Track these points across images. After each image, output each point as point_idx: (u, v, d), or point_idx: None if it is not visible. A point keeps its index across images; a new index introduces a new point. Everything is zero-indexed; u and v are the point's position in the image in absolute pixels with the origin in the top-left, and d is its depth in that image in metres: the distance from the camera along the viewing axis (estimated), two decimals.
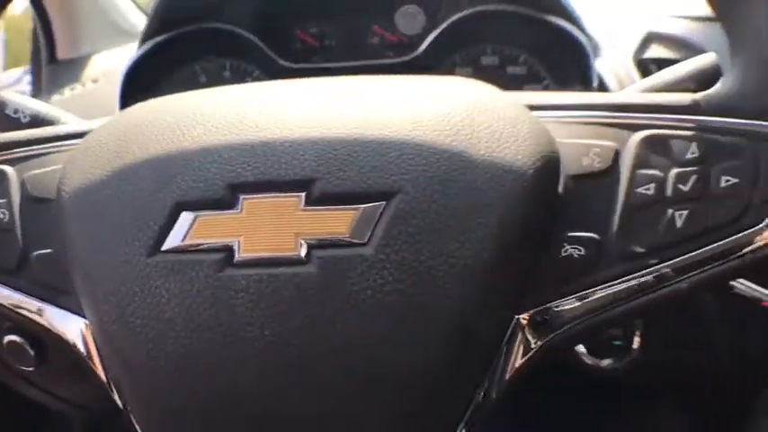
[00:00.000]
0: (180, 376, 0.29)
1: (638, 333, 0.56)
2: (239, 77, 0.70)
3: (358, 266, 0.27)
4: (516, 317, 0.31)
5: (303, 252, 0.28)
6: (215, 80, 0.71)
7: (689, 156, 0.31)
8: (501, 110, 0.31)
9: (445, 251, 0.28)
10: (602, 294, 0.31)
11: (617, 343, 0.55)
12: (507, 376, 0.32)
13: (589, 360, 0.53)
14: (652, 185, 0.31)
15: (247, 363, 0.28)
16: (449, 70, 0.66)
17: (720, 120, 0.32)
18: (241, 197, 0.28)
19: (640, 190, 0.31)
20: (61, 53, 0.91)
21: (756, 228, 0.30)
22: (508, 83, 0.66)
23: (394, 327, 0.28)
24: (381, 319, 0.28)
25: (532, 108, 0.33)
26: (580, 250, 0.31)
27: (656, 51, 0.63)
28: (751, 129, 0.31)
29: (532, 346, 0.32)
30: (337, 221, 0.28)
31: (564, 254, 0.31)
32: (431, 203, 0.28)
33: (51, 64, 0.91)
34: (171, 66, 0.71)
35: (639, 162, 0.31)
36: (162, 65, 0.70)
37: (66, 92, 0.84)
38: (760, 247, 0.31)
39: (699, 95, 0.33)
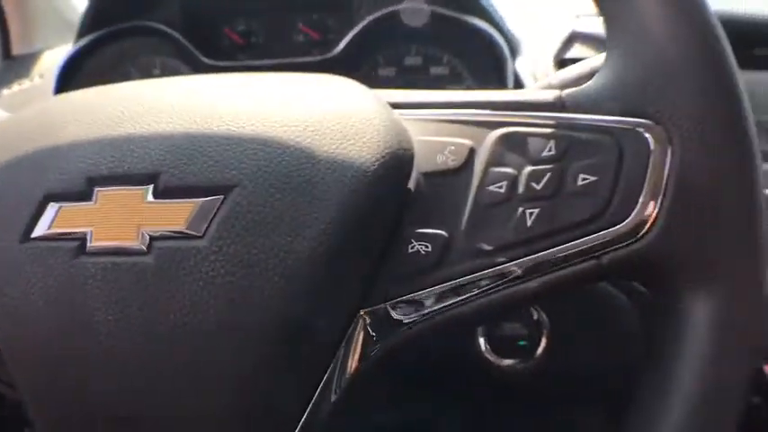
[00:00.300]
0: (42, 356, 0.31)
1: (544, 334, 0.55)
2: (169, 75, 0.70)
3: (192, 258, 0.28)
4: (359, 312, 0.31)
5: (144, 243, 0.29)
6: (147, 78, 0.71)
7: (545, 154, 0.31)
8: (357, 108, 0.31)
9: (277, 245, 0.28)
10: (449, 291, 0.31)
11: (522, 343, 0.55)
12: (349, 373, 0.31)
13: (490, 357, 0.53)
14: (504, 183, 0.31)
15: (96, 345, 0.29)
16: (372, 69, 0.66)
17: (583, 117, 0.31)
18: (96, 189, 0.30)
19: (492, 188, 0.31)
20: (16, 49, 0.92)
21: (614, 228, 0.30)
22: (431, 83, 0.66)
23: (222, 319, 0.28)
24: (211, 312, 0.28)
25: (395, 106, 0.33)
26: (427, 247, 0.30)
27: (578, 51, 0.62)
28: (614, 126, 0.31)
29: (376, 342, 0.31)
30: (177, 214, 0.29)
31: (411, 250, 0.31)
32: (267, 198, 0.28)
33: (6, 59, 0.92)
34: (107, 62, 0.72)
35: (493, 160, 0.31)
36: (98, 61, 0.71)
37: (15, 86, 0.85)
38: (620, 249, 0.30)
39: (565, 92, 0.33)
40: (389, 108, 0.33)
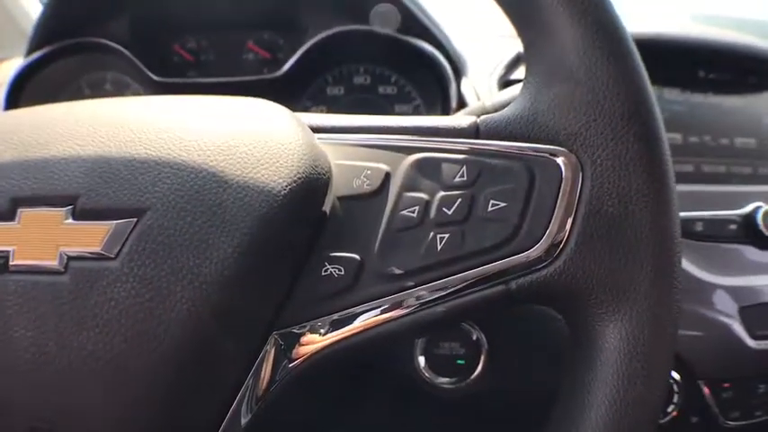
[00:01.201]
0: None
1: (483, 353, 0.55)
2: (119, 91, 0.69)
3: (105, 279, 0.28)
4: (271, 335, 0.30)
5: (62, 263, 0.29)
6: (97, 93, 0.70)
7: (457, 179, 0.31)
8: (276, 132, 0.31)
9: (185, 268, 0.28)
10: (359, 314, 0.30)
11: (460, 362, 0.54)
12: (261, 396, 0.31)
13: (428, 374, 0.53)
14: (416, 208, 0.31)
15: (16, 360, 0.30)
16: (321, 88, 0.66)
17: (495, 143, 0.32)
18: (19, 210, 0.30)
19: (405, 212, 0.31)
20: None
21: (522, 254, 0.30)
22: (380, 102, 0.66)
23: (132, 340, 0.28)
24: (121, 332, 0.28)
25: (316, 130, 0.33)
26: (341, 270, 0.30)
27: (523, 73, 0.62)
28: (526, 153, 0.31)
29: (287, 364, 0.31)
30: (93, 236, 0.29)
31: (325, 273, 0.30)
32: (177, 221, 0.28)
33: None
34: (59, 77, 0.71)
35: (407, 185, 0.31)
36: (50, 76, 0.70)
37: None
38: (528, 275, 0.30)
39: (481, 118, 0.33)
40: (309, 132, 0.33)
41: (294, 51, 0.62)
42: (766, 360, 0.58)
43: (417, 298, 0.30)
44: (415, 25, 0.60)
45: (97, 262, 0.28)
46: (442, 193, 0.31)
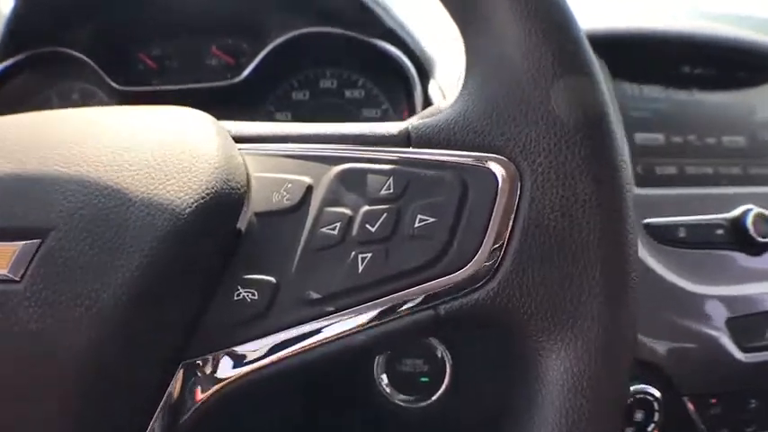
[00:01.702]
0: None
1: (447, 372, 0.51)
2: (86, 101, 0.68)
3: (10, 302, 0.26)
4: (181, 364, 0.27)
5: None
6: (66, 104, 0.69)
7: (383, 192, 0.28)
8: (190, 144, 0.29)
9: (84, 293, 0.26)
10: (275, 342, 0.27)
11: (424, 380, 0.51)
12: (172, 428, 0.28)
13: (388, 391, 0.50)
14: (338, 225, 0.27)
15: None
16: (286, 93, 0.63)
17: (427, 151, 0.28)
18: None
19: (325, 230, 0.28)
20: None
21: (451, 276, 0.26)
22: (347, 107, 0.63)
23: (36, 367, 0.26)
24: (26, 359, 0.26)
25: (240, 140, 0.31)
26: (254, 294, 0.27)
27: None
28: (459, 161, 0.28)
29: (200, 395, 0.28)
30: (2, 257, 0.27)
31: (237, 297, 0.27)
32: (79, 242, 0.26)
33: None
34: (28, 87, 0.69)
35: (329, 199, 0.28)
36: (17, 86, 0.68)
37: None
38: (458, 299, 0.27)
39: (413, 124, 0.29)
40: (230, 143, 0.30)
41: (256, 56, 0.60)
42: (757, 373, 0.54)
43: (336, 325, 0.27)
44: (379, 26, 0.57)
45: (4, 285, 0.26)
46: (366, 208, 0.28)
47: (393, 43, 0.58)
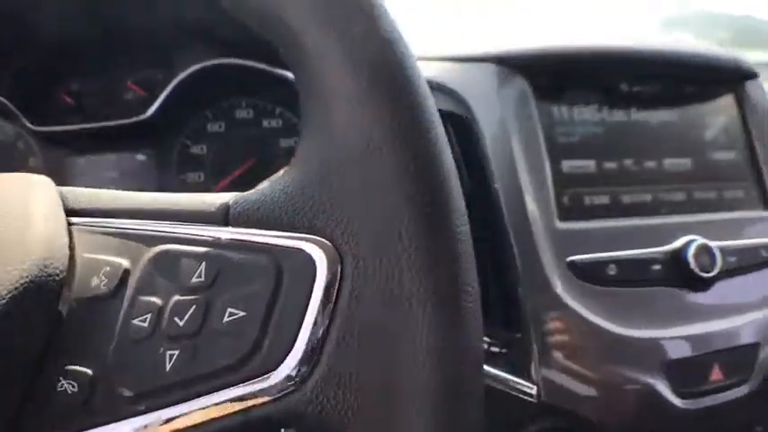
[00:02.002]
0: None
1: None
2: (11, 139, 0.66)
3: None
4: None
5: None
6: None
7: (194, 280, 0.25)
8: (9, 222, 0.26)
9: None
10: None
11: None
12: None
13: None
14: (149, 316, 0.24)
15: None
16: (201, 125, 0.60)
17: (243, 232, 0.25)
18: None
19: (137, 321, 0.25)
20: None
21: (263, 377, 0.23)
22: (264, 137, 0.60)
23: None
24: None
25: (72, 213, 0.28)
26: (74, 386, 0.25)
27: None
28: (274, 245, 0.24)
29: None
30: None
31: (60, 389, 0.25)
32: None
33: None
34: None
35: (142, 286, 0.25)
36: None
37: None
38: (270, 403, 0.23)
39: (234, 198, 0.26)
40: (60, 219, 0.27)
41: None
42: (697, 421, 0.49)
43: (145, 427, 0.24)
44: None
45: None
46: (176, 298, 0.25)
47: None
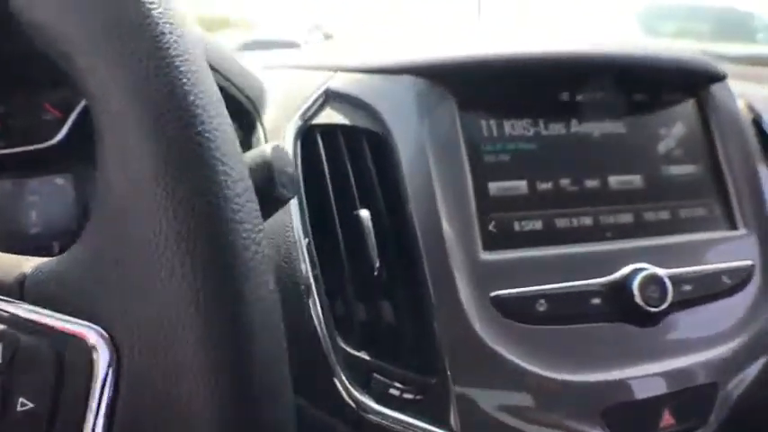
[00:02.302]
0: None
1: None
2: None
3: None
4: None
5: None
6: None
7: None
8: None
9: None
10: None
11: None
12: None
13: None
14: None
15: None
16: None
17: (35, 310, 0.23)
18: None
19: None
20: None
21: None
22: None
23: None
24: None
25: None
26: None
27: (331, 116, 0.49)
28: (61, 329, 0.23)
29: None
30: None
31: None
32: None
33: None
34: None
35: None
36: None
37: None
38: None
39: (31, 267, 0.24)
40: None
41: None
42: None
43: None
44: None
45: None
46: None
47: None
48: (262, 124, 0.52)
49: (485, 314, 0.43)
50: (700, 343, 0.46)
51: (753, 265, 0.49)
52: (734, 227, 0.50)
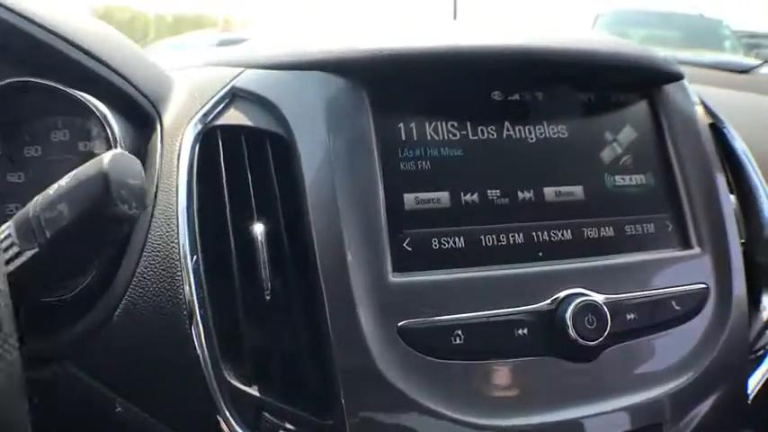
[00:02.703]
0: None
1: None
2: None
3: None
4: None
5: None
6: None
7: None
8: None
9: None
10: None
11: None
12: None
13: None
14: None
15: None
16: (18, 149, 0.50)
17: None
18: None
19: None
20: None
21: None
22: (83, 160, 0.50)
23: None
24: None
25: None
26: None
27: (232, 117, 0.43)
28: None
29: None
30: None
31: None
32: None
33: None
34: None
35: None
36: None
37: None
38: None
39: None
40: None
41: None
42: None
43: None
44: (77, 73, 0.44)
45: None
46: None
47: (97, 88, 0.44)
48: (161, 126, 0.46)
49: (390, 348, 0.36)
50: (644, 379, 0.40)
51: (707, 289, 0.43)
52: (687, 245, 0.43)
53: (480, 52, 0.42)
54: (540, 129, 0.43)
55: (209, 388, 0.37)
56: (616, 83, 0.45)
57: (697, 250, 0.43)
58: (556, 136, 0.43)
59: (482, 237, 0.40)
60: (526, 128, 0.43)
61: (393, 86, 0.41)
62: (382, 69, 0.41)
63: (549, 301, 0.38)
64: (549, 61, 0.43)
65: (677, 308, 0.41)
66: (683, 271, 0.43)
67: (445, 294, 0.38)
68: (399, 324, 0.37)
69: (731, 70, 0.74)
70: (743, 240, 0.46)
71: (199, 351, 0.37)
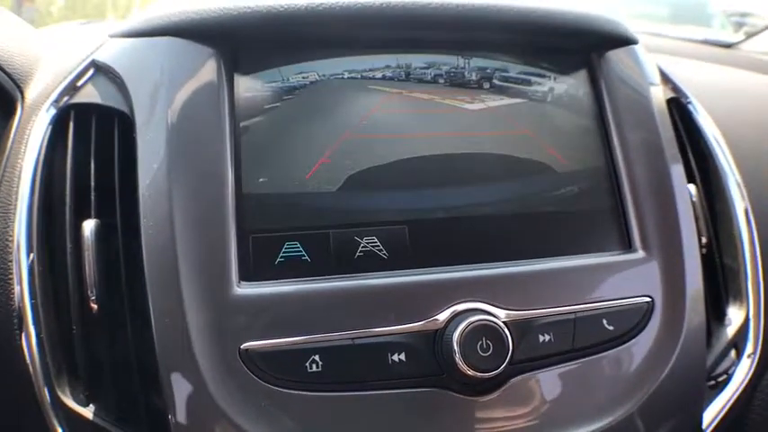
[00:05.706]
0: None
1: None
2: None
3: None
4: None
5: None
6: None
7: None
8: None
9: None
10: None
11: None
12: None
13: None
14: None
15: None
16: None
17: None
18: None
19: None
20: None
21: None
22: None
23: None
24: None
25: None
26: None
27: (88, 93, 0.34)
28: None
29: None
30: None
31: None
32: None
33: None
34: None
35: None
36: None
37: None
38: None
39: None
40: None
41: None
42: None
43: None
44: None
45: None
46: None
47: None
48: (23, 106, 0.37)
49: (229, 375, 0.27)
50: (561, 418, 0.30)
51: (650, 303, 0.32)
52: (628, 248, 0.32)
53: (367, 7, 0.32)
54: (444, 102, 0.32)
55: (42, 408, 0.29)
56: (549, 47, 0.34)
57: (641, 254, 0.32)
58: (462, 107, 0.32)
59: (356, 237, 0.30)
60: (428, 102, 0.32)
61: (254, 53, 0.31)
62: (238, 32, 0.31)
63: (434, 318, 0.28)
64: (461, 21, 0.32)
65: (609, 327, 0.31)
66: (620, 280, 0.32)
67: (301, 309, 0.28)
68: (242, 346, 0.28)
69: (715, 45, 0.63)
70: (704, 239, 0.35)
71: (30, 365, 0.29)
